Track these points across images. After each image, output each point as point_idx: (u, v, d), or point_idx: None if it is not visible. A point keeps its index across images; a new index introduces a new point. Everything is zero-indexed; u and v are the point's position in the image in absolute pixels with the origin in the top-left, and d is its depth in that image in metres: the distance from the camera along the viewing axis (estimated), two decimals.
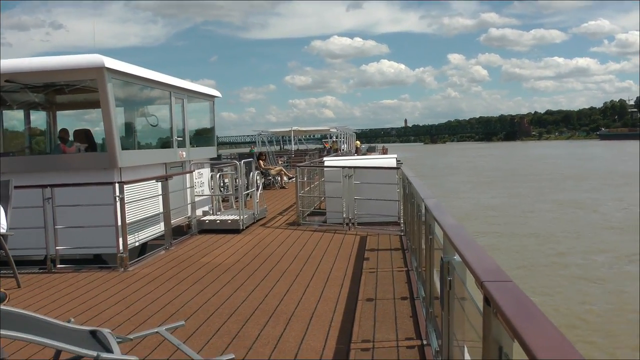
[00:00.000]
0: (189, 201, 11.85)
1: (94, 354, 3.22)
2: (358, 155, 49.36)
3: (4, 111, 12.31)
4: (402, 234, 10.50)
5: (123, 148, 9.85)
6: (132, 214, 9.69)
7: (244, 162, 13.17)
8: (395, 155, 13.31)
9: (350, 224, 11.56)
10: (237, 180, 12.87)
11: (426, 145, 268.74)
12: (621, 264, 18.67)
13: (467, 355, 3.47)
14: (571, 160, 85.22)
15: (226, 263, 8.79)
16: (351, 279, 7.48)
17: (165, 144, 12.04)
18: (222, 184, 17.28)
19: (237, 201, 12.88)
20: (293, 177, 20.00)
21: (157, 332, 3.85)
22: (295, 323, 5.75)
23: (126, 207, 9.30)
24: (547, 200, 36.17)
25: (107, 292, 7.38)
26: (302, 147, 54.03)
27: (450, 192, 42.01)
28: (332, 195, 12.35)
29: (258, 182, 13.71)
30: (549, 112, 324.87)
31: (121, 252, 8.70)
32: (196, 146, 13.26)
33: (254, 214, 12.78)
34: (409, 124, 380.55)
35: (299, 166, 13.54)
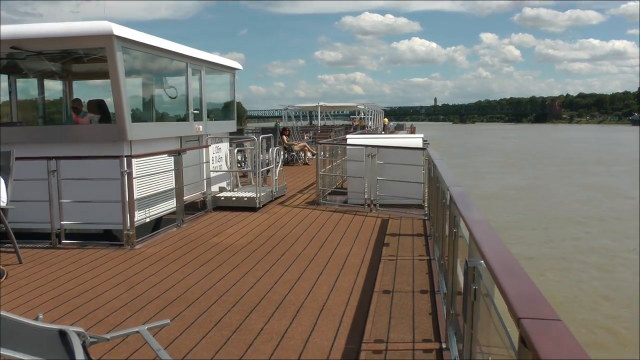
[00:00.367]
0: (204, 177, 11.39)
1: None
2: (385, 133, 48.76)
3: (19, 79, 12.00)
4: (426, 218, 9.96)
5: (134, 120, 9.42)
6: (143, 189, 9.29)
7: (262, 137, 12.67)
8: (422, 135, 12.67)
9: (371, 206, 11.02)
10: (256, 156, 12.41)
11: (455, 125, 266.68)
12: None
13: None
14: (600, 144, 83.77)
15: (238, 244, 8.33)
16: (368, 267, 6.98)
17: (180, 116, 11.58)
18: (242, 159, 16.87)
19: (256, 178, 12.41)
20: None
21: (137, 331, 3.39)
22: (304, 316, 5.26)
23: (135, 181, 8.93)
24: (573, 183, 35.75)
25: (109, 272, 6.96)
26: (329, 123, 53.49)
27: (477, 172, 41.58)
28: (354, 174, 11.81)
29: (278, 158, 13.18)
30: (581, 95, 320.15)
31: (128, 229, 8.28)
32: (214, 120, 12.79)
33: (272, 191, 12.31)
34: (439, 103, 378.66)
35: (320, 143, 13.02)
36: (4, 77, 11.47)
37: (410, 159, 10.90)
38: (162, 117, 11.50)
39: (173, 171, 9.74)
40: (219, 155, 12.62)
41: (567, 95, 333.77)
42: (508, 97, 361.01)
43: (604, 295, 14.06)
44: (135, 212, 9.06)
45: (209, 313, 5.37)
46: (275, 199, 12.43)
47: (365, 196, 11.12)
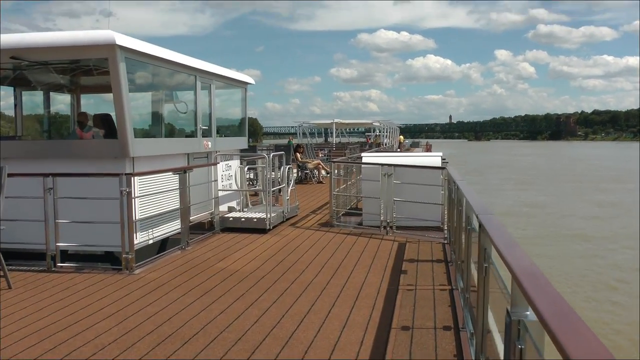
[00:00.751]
0: (212, 196, 10.85)
1: None
2: (401, 150, 48.18)
3: (25, 92, 11.58)
4: (446, 242, 9.35)
5: (139, 136, 8.93)
6: (146, 209, 8.79)
7: (273, 155, 12.12)
8: (440, 154, 12.09)
9: (387, 228, 10.41)
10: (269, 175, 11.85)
11: (470, 142, 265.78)
12: None
13: None
14: (615, 161, 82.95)
15: (244, 270, 7.76)
16: (385, 298, 6.38)
17: (188, 132, 11.07)
18: (254, 178, 16.36)
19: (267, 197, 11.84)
20: None
21: None
22: (312, 358, 4.67)
23: (138, 201, 8.44)
24: (587, 200, 35.53)
25: (103, 300, 6.41)
26: (344, 140, 53.00)
27: (491, 189, 41.21)
28: (369, 195, 11.22)
29: (290, 176, 12.64)
30: (596, 112, 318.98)
31: (127, 252, 7.73)
32: (224, 136, 12.27)
33: (283, 212, 11.74)
34: (454, 120, 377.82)
35: (333, 161, 12.41)
36: (9, 89, 11.09)
37: (429, 178, 10.31)
38: (169, 133, 10.98)
39: (178, 190, 9.21)
40: (228, 173, 12.09)
41: (582, 112, 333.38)
42: (523, 114, 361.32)
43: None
44: (137, 234, 8.58)
45: (207, 352, 4.79)
46: (287, 219, 11.86)
47: (381, 218, 10.51)
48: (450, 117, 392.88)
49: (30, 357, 4.69)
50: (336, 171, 12.46)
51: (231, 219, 10.91)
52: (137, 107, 10.50)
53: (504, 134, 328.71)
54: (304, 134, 47.38)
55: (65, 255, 8.26)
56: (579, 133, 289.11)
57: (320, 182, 21.24)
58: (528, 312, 2.39)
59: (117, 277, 7.48)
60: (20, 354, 4.79)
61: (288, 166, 12.69)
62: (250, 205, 12.55)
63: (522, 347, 2.37)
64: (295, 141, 37.32)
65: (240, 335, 5.18)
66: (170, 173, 9.20)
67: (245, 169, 12.92)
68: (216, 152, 11.42)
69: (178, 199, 9.29)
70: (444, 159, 11.79)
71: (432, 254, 8.72)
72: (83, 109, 11.34)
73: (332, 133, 46.37)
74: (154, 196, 8.93)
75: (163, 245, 9.58)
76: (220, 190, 11.14)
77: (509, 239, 3.10)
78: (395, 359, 4.65)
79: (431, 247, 9.21)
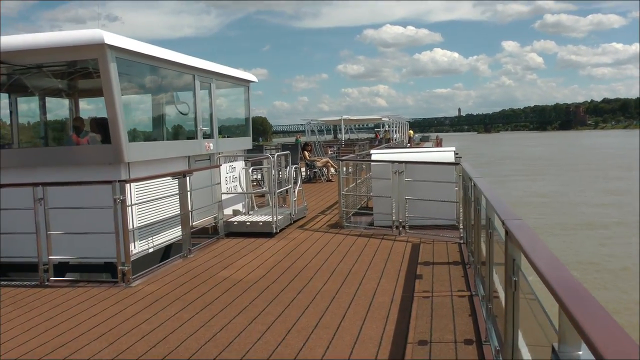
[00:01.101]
0: (216, 200, 10.38)
1: None
2: (411, 145, 47.64)
3: (20, 98, 11.16)
4: (461, 241, 8.84)
5: (138, 139, 8.49)
6: (145, 216, 8.36)
7: (277, 155, 11.62)
8: (453, 148, 11.55)
9: (400, 228, 9.90)
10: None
11: (480, 135, 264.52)
12: None
13: None
14: (624, 149, 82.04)
15: (248, 279, 7.28)
16: (399, 307, 5.89)
17: (188, 134, 10.61)
18: (261, 179, 15.89)
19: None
20: None
21: None
22: None
23: (135, 208, 8.02)
24: (598, 189, 35.29)
25: (95, 318, 5.96)
26: (353, 136, 52.46)
27: (502, 179, 40.82)
28: (380, 194, 10.71)
29: (297, 176, 12.14)
30: (605, 101, 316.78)
31: (123, 264, 7.27)
32: (227, 137, 11.80)
33: (290, 213, 11.24)
34: (463, 113, 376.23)
35: (341, 160, 11.89)
36: (3, 95, 10.67)
37: (442, 174, 9.80)
38: (168, 136, 10.52)
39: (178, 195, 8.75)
40: (233, 175, 11.63)
41: (592, 100, 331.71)
42: (532, 105, 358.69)
43: None
44: (136, 242, 8.16)
45: None
46: (295, 222, 11.38)
47: (393, 217, 9.99)
48: (459, 110, 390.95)
49: None
50: (345, 169, 11.96)
51: (236, 223, 10.43)
52: (133, 109, 10.07)
53: (513, 126, 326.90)
54: (312, 131, 46.87)
55: (67, 267, 7.88)
56: (589, 122, 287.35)
57: (330, 181, 20.74)
58: (581, 352, 1.90)
59: (112, 290, 7.02)
60: None
61: (294, 166, 12.20)
62: (256, 208, 12.06)
63: None
64: (303, 139, 36.85)
65: (241, 356, 4.71)
66: (169, 178, 8.73)
67: (250, 170, 12.44)
68: (219, 153, 10.96)
69: (178, 204, 8.83)
70: (457, 154, 11.27)
71: (448, 255, 8.21)
72: (85, 114, 10.92)
73: (341, 130, 45.84)
74: (152, 202, 8.49)
75: (167, 252, 9.16)
76: (223, 193, 10.66)
77: (547, 253, 2.59)
78: None
79: (447, 247, 8.70)
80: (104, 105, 11.25)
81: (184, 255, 8.69)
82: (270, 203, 11.00)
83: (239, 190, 11.67)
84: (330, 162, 21.58)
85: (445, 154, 11.06)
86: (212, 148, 10.62)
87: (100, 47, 7.47)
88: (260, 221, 10.31)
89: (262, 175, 15.25)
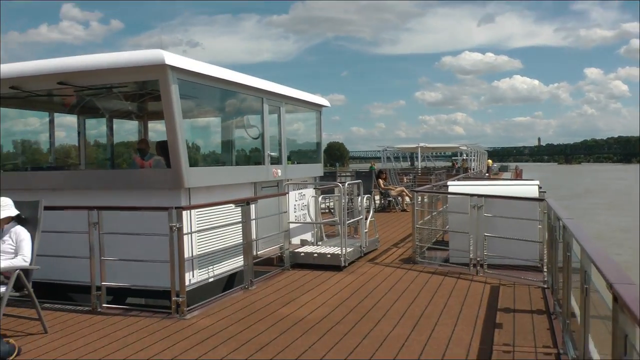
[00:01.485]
0: (282, 229, 9.87)
1: None
2: (489, 175, 46.32)
3: (88, 120, 11.06)
4: (546, 286, 8.02)
5: (201, 164, 8.12)
6: (205, 244, 7.95)
7: (348, 184, 11.05)
8: (537, 182, 10.72)
9: (478, 267, 9.14)
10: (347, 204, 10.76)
11: (560, 166, 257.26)
12: None
13: None
14: None
15: (310, 318, 6.70)
16: None
17: (255, 160, 10.19)
18: (331, 206, 15.38)
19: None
20: None
21: None
22: None
23: (195, 236, 7.61)
24: None
25: (142, 352, 5.52)
26: (430, 164, 51.60)
27: (583, 213, 39.00)
28: (457, 228, 9.97)
29: (369, 206, 11.54)
30: None
31: (177, 294, 6.82)
32: (296, 163, 11.34)
33: (361, 246, 10.63)
34: (542, 143, 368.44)
35: (416, 191, 11.20)
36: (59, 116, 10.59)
37: (524, 210, 8.99)
38: (233, 160, 10.13)
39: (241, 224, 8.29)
40: (302, 203, 11.14)
41: None
42: (616, 136, 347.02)
43: None
44: (195, 271, 7.76)
45: None
46: (365, 254, 10.75)
47: (471, 255, 9.23)
48: (539, 139, 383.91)
49: None
50: (420, 199, 11.25)
51: (302, 254, 9.89)
52: (197, 133, 9.76)
53: (595, 157, 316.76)
54: (388, 158, 46.26)
55: (127, 289, 7.60)
56: None
57: (405, 210, 20.00)
58: None
59: (165, 322, 6.57)
60: None
61: (366, 195, 11.59)
62: (325, 238, 11.51)
63: None
64: (378, 166, 36.25)
65: None
66: (232, 205, 8.29)
67: (320, 198, 11.91)
68: (287, 180, 10.50)
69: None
70: (541, 188, 10.44)
71: (530, 302, 7.40)
72: (156, 137, 10.71)
73: (417, 157, 45.07)
74: (213, 230, 8.07)
75: (231, 280, 8.74)
76: (291, 222, 10.15)
77: None
78: None
79: (529, 292, 7.89)
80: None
81: (245, 287, 8.20)
82: (340, 234, 10.42)
83: (308, 219, 11.15)
84: (406, 191, 20.86)
85: (528, 188, 10.26)
86: (280, 174, 10.18)
87: (162, 67, 7.15)
88: (329, 253, 9.74)
89: (333, 203, 14.73)
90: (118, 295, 7.73)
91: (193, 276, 7.78)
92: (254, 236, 8.62)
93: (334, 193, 13.06)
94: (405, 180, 29.40)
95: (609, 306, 2.86)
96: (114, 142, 11.12)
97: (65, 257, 7.39)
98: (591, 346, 3.92)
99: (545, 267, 8.37)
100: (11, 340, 5.59)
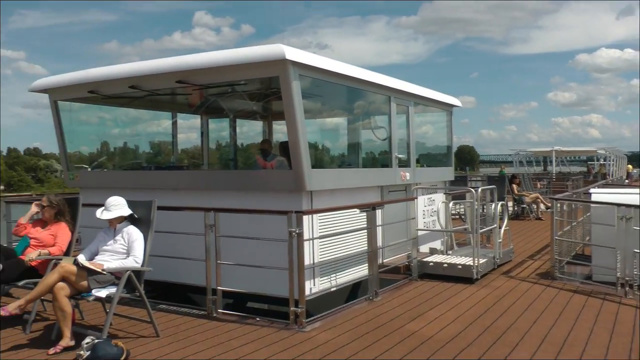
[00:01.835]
0: (410, 236, 9.31)
1: None
2: (630, 182, 43.45)
3: (212, 120, 11.01)
4: None
5: (318, 166, 7.72)
6: (328, 251, 7.56)
7: (482, 189, 10.30)
8: None
9: (627, 287, 8.16)
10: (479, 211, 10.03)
11: None
12: None
13: None
14: None
15: (439, 337, 6.11)
16: None
17: (381, 162, 9.69)
18: (462, 213, 14.63)
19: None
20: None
21: None
22: None
23: (317, 242, 7.22)
24: None
25: None
26: (564, 169, 49.12)
27: None
28: (601, 242, 9.00)
29: (503, 214, 10.74)
30: None
31: (296, 304, 6.42)
32: (426, 166, 10.74)
33: (494, 257, 9.88)
34: None
35: (555, 198, 10.25)
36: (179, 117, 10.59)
37: None
38: (358, 162, 9.68)
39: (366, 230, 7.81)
40: (431, 208, 10.53)
41: None
42: None
43: None
44: (316, 280, 7.35)
45: None
46: (498, 266, 9.97)
47: (618, 274, 8.25)
48: None
49: None
50: (559, 207, 10.30)
51: (431, 264, 9.28)
52: (321, 133, 9.39)
53: None
54: (520, 162, 44.40)
55: (248, 296, 7.50)
56: None
57: (539, 219, 18.84)
58: None
59: (283, 334, 6.20)
60: None
61: (501, 202, 10.78)
62: (456, 247, 10.82)
63: None
64: (508, 170, 34.81)
65: None
66: (356, 210, 7.82)
67: (450, 204, 11.23)
68: (416, 184, 9.92)
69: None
70: None
71: None
72: (280, 137, 10.50)
73: (551, 162, 42.93)
74: (336, 236, 7.64)
75: (354, 291, 8.30)
76: (419, 229, 9.56)
77: None
78: None
79: None
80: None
81: (369, 298, 7.72)
82: (472, 243, 9.70)
83: (437, 226, 10.50)
84: (541, 197, 19.66)
85: None
86: (408, 178, 9.64)
87: (282, 63, 6.81)
88: (460, 264, 9.08)
89: (464, 209, 13.99)
90: (236, 298, 7.50)
91: (314, 285, 7.39)
92: (379, 243, 8.13)
93: (464, 199, 12.29)
94: (539, 185, 27.91)
95: None
96: (237, 143, 10.99)
97: (180, 258, 7.26)
98: None
99: None
100: (119, 343, 5.39)
